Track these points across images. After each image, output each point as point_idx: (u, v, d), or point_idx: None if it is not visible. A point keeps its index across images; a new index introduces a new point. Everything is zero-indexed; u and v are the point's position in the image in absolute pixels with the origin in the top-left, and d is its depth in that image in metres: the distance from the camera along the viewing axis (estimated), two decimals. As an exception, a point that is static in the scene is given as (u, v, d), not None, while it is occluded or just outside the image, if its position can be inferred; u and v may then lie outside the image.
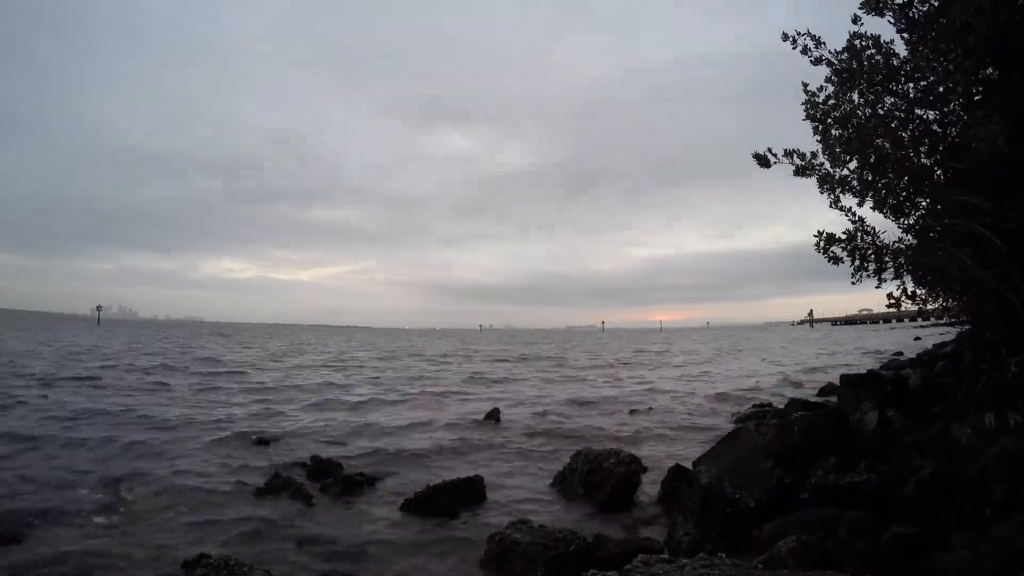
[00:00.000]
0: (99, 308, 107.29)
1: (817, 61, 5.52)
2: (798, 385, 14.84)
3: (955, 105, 5.16)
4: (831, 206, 5.87)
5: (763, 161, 5.69)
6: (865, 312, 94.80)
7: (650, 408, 11.28)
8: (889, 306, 5.92)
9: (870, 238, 5.70)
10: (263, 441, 7.66)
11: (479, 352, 34.26)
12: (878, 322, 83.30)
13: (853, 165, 5.68)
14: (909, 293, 5.83)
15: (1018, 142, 4.21)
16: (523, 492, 5.92)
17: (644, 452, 7.28)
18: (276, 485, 5.67)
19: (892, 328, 59.19)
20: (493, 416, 9.83)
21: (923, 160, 5.44)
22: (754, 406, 10.90)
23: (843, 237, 5.72)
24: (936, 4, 4.79)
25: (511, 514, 5.12)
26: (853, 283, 5.78)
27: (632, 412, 10.86)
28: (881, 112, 5.38)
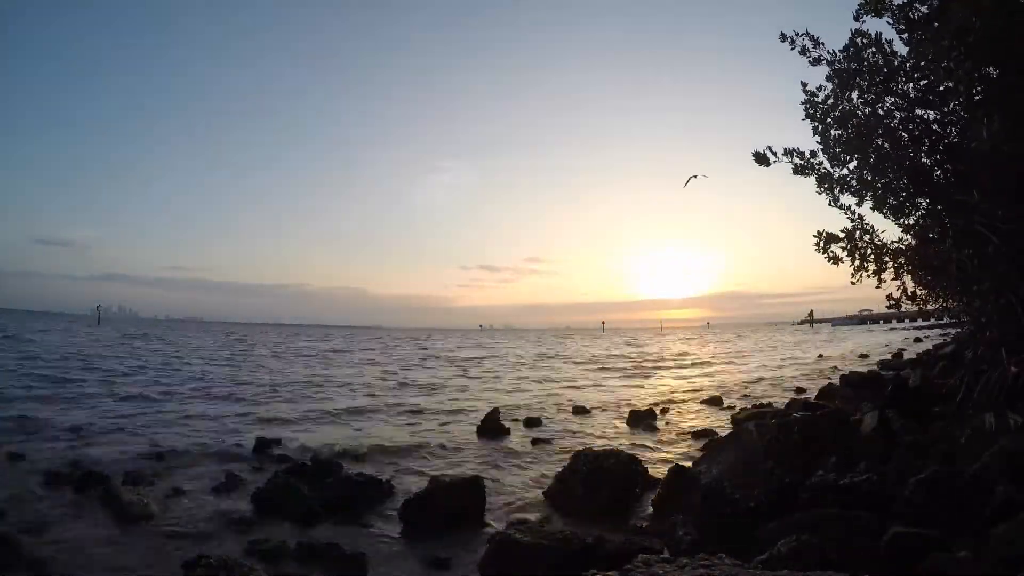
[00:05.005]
0: (99, 307, 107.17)
1: (816, 61, 5.53)
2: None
3: (955, 105, 5.16)
4: (830, 205, 5.88)
5: (762, 159, 5.70)
6: (865, 312, 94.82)
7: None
8: (889, 306, 5.92)
9: (869, 237, 5.71)
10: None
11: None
12: (878, 322, 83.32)
13: (852, 165, 5.69)
14: (909, 293, 5.83)
15: (1018, 142, 4.21)
16: (524, 492, 5.91)
17: (645, 452, 7.30)
18: (275, 484, 5.68)
19: (892, 328, 59.23)
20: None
21: (923, 160, 5.44)
22: (754, 406, 10.90)
23: (842, 237, 5.72)
24: (936, 4, 4.80)
25: (511, 515, 5.13)
26: (853, 283, 5.79)
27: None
28: (881, 112, 5.39)
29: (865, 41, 5.25)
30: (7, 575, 3.77)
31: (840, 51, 5.37)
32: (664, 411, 11.06)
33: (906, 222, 5.85)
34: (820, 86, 5.60)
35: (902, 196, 5.64)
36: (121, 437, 7.72)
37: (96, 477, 5.69)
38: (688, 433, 8.90)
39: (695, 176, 7.99)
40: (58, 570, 3.88)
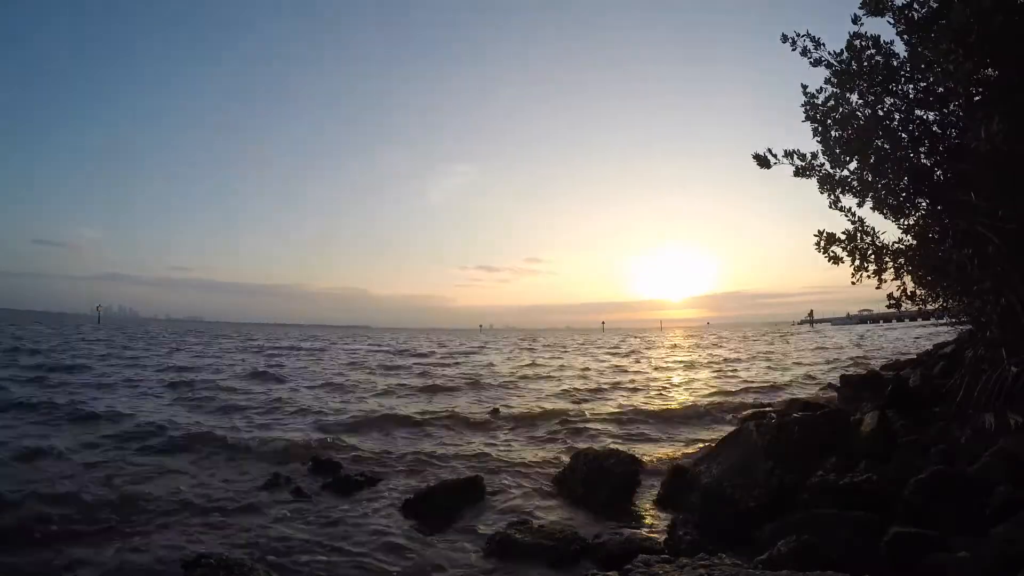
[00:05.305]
0: (99, 308, 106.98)
1: (816, 63, 5.53)
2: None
3: (955, 106, 5.17)
4: (831, 207, 5.88)
5: (763, 161, 5.69)
6: (865, 312, 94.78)
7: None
8: (889, 306, 5.92)
9: (870, 238, 5.71)
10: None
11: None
12: (878, 322, 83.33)
13: (853, 166, 5.68)
14: (909, 293, 5.83)
15: (1018, 142, 4.21)
16: (523, 492, 5.91)
17: (645, 451, 7.29)
18: (276, 485, 5.69)
19: (892, 328, 59.22)
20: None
21: (923, 160, 5.44)
22: (754, 406, 10.90)
23: (843, 237, 5.73)
24: (936, 5, 4.80)
25: (511, 514, 5.13)
26: (853, 283, 5.79)
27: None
28: (881, 113, 5.39)
29: (865, 43, 5.25)
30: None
31: (840, 52, 5.37)
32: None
33: (906, 222, 5.84)
34: (820, 87, 5.59)
35: (902, 196, 5.63)
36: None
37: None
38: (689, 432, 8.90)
39: None
40: (55, 567, 3.88)
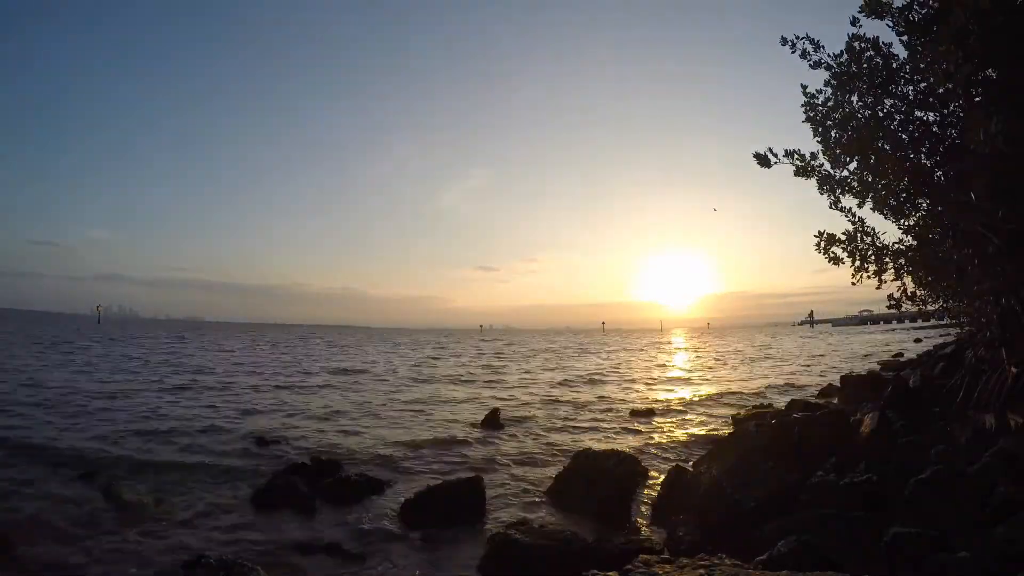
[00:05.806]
0: (99, 308, 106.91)
1: (816, 65, 5.53)
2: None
3: (955, 107, 5.17)
4: (831, 207, 5.88)
5: (763, 161, 5.69)
6: (866, 313, 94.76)
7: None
8: (890, 307, 5.92)
9: (870, 239, 5.71)
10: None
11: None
12: (879, 323, 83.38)
13: (853, 166, 5.68)
14: (909, 294, 5.83)
15: (1018, 143, 4.21)
16: (523, 492, 5.91)
17: (645, 452, 7.30)
18: (276, 485, 5.68)
19: (892, 329, 59.18)
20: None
21: (923, 161, 5.44)
22: (754, 406, 10.90)
23: (843, 238, 5.72)
24: (936, 6, 4.80)
25: (511, 515, 5.13)
26: (853, 284, 5.79)
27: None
28: (881, 114, 5.39)
29: (864, 44, 5.25)
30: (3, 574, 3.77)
31: (839, 54, 5.37)
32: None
33: (906, 223, 5.84)
34: (820, 89, 5.59)
35: (902, 197, 5.63)
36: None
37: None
38: (688, 433, 8.90)
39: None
40: (57, 569, 3.88)
